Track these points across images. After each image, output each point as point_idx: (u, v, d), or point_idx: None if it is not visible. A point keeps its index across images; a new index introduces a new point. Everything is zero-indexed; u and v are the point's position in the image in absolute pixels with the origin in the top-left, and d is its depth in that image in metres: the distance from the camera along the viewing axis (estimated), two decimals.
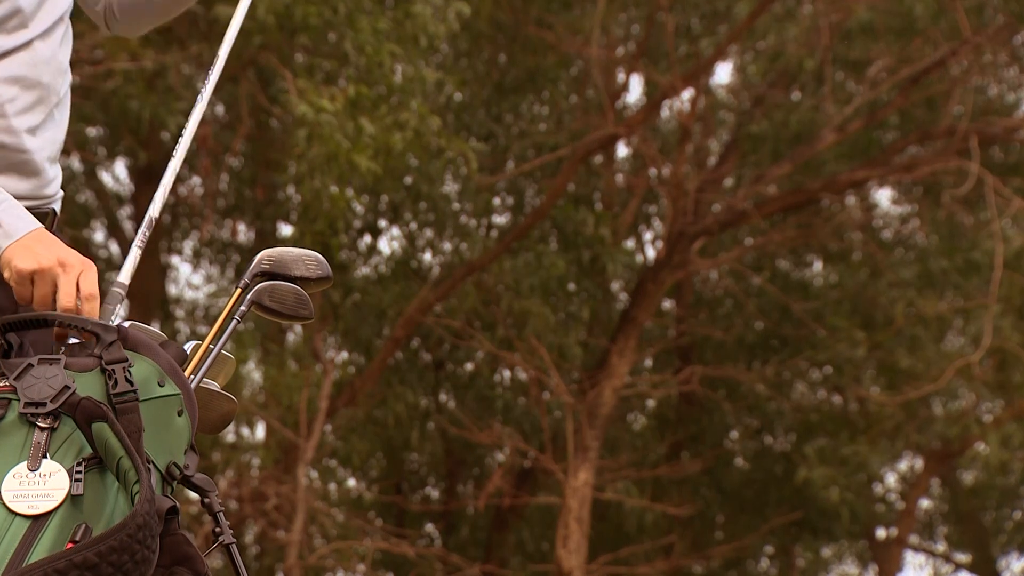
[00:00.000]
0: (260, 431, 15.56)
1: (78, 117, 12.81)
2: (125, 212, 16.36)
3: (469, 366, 16.08)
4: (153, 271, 15.82)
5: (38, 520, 2.12)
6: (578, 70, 15.60)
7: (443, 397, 16.08)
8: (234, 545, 2.70)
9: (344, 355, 15.72)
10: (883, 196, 17.77)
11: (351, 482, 16.63)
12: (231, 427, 15.05)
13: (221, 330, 2.74)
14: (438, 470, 17.27)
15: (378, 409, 14.95)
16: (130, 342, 2.38)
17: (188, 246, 16.69)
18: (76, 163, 14.85)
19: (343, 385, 14.30)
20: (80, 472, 2.16)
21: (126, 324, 2.46)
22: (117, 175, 16.17)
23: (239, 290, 2.79)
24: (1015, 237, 14.46)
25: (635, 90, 26.54)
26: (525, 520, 16.62)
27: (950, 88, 14.37)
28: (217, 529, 2.70)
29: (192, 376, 2.66)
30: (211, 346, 2.73)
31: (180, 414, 2.37)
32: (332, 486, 16.06)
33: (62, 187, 2.80)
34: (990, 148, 15.10)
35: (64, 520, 2.13)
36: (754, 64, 15.98)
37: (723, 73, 27.36)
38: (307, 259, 2.83)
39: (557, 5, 14.63)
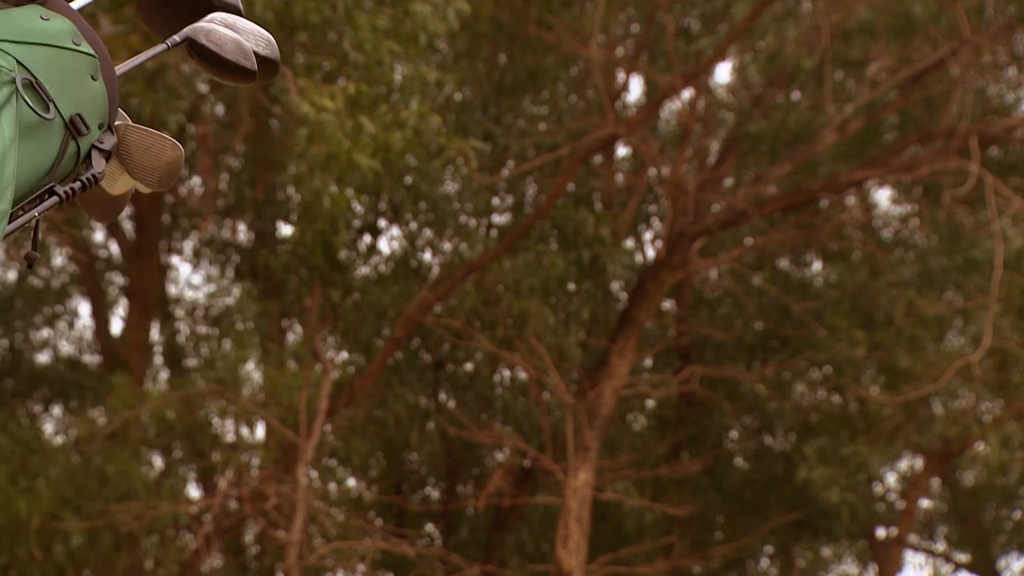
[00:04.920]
0: (260, 431, 15.54)
1: None
2: (125, 211, 16.34)
3: (469, 366, 16.07)
4: (153, 271, 15.80)
5: None
6: (578, 70, 15.60)
7: (443, 397, 16.07)
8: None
9: (344, 355, 15.71)
10: (883, 196, 17.77)
11: (351, 482, 16.62)
12: (231, 427, 15.05)
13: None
14: (438, 470, 17.25)
15: (378, 409, 14.94)
16: (49, 3, 2.19)
17: (188, 246, 16.69)
18: None
19: (343, 385, 14.29)
20: None
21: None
22: None
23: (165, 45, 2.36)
24: (1015, 237, 14.44)
25: (635, 90, 26.57)
26: (525, 520, 16.60)
27: (950, 88, 14.37)
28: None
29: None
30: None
31: (95, 79, 2.20)
32: (332, 486, 16.05)
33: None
34: (990, 148, 15.10)
35: None
36: (753, 64, 15.97)
37: (722, 73, 27.40)
38: (258, 35, 2.38)
39: (557, 5, 14.62)
